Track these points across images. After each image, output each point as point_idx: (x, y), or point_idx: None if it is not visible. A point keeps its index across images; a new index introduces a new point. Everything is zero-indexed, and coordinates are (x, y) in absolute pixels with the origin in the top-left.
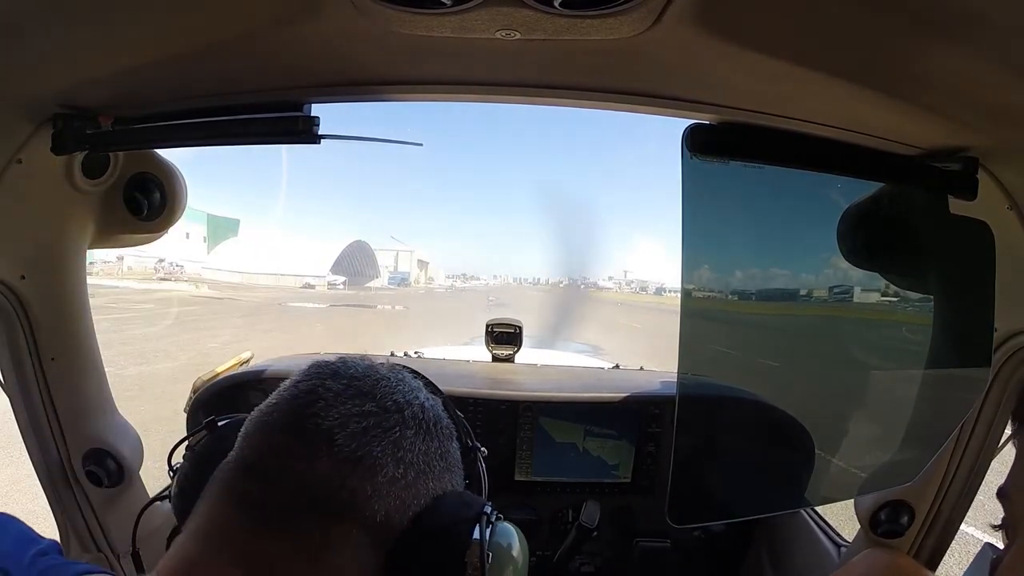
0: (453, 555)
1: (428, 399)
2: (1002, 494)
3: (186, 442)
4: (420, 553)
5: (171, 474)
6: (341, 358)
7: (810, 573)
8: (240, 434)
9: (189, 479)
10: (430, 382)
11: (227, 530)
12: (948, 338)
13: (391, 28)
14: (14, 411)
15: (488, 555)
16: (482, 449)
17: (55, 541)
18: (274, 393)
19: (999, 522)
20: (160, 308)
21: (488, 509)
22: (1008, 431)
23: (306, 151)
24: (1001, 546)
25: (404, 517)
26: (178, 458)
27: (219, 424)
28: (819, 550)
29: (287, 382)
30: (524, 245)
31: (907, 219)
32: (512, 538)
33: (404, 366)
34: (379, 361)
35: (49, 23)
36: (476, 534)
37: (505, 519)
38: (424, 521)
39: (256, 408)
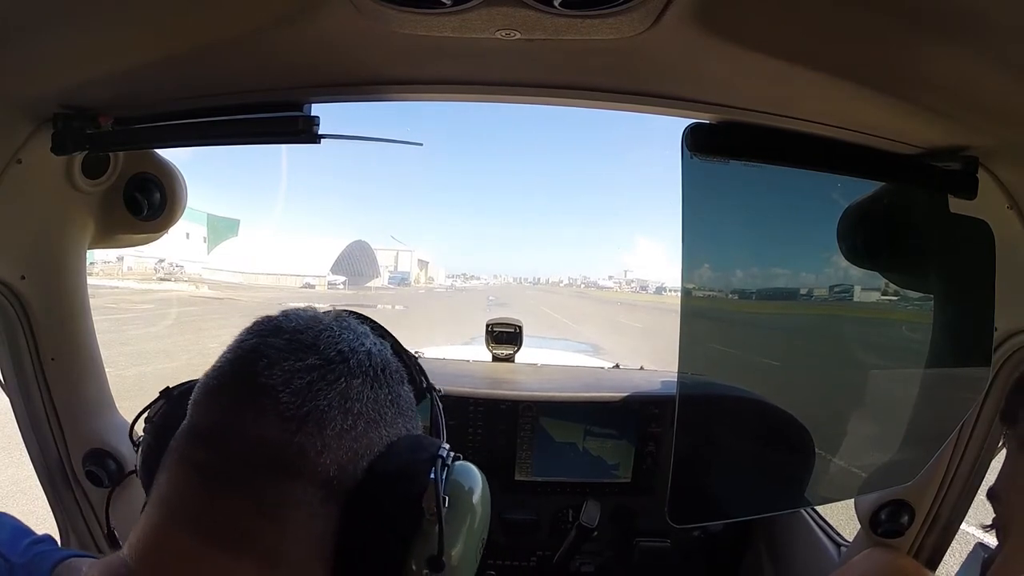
0: (408, 500)
1: (375, 344)
2: (992, 495)
3: (146, 415)
4: (375, 501)
5: (135, 448)
6: (284, 311)
7: (810, 573)
8: (191, 400)
9: (151, 450)
10: (378, 325)
11: (185, 496)
12: (948, 338)
13: (391, 28)
14: (14, 411)
15: (444, 498)
16: (438, 389)
17: (49, 535)
18: (220, 355)
19: (991, 522)
20: (160, 308)
21: (444, 451)
22: None
23: (306, 151)
24: (993, 546)
25: (358, 468)
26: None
27: (174, 392)
28: (819, 550)
29: (231, 343)
30: (524, 245)
31: (907, 219)
32: (471, 478)
33: (351, 312)
34: (324, 310)
35: (49, 23)
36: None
37: (465, 460)
38: (377, 469)
39: (205, 373)
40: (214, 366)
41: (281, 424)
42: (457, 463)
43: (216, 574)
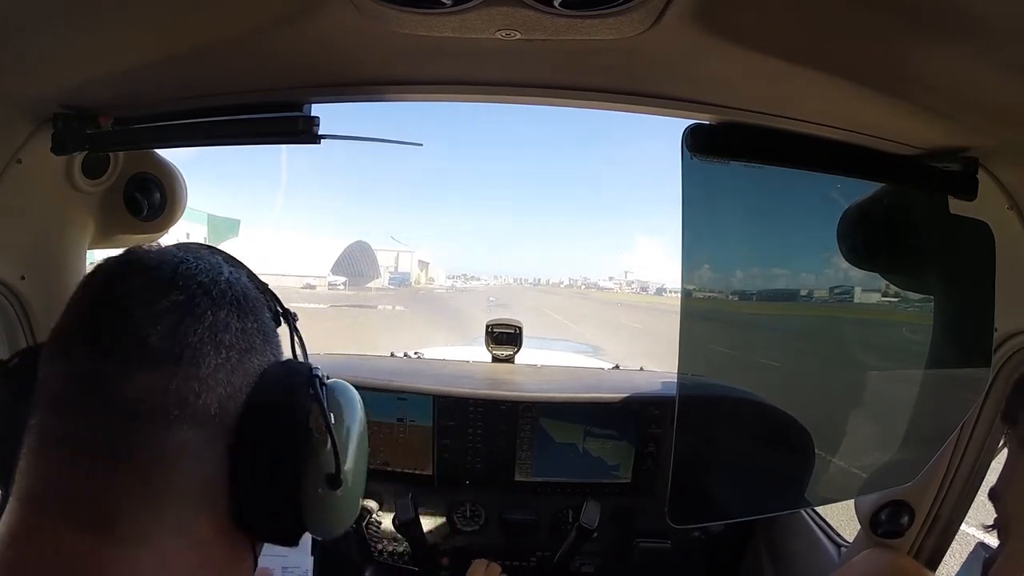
0: (295, 424)
1: (232, 273)
2: (993, 495)
3: None
4: (262, 432)
5: None
6: (128, 250)
7: (810, 573)
8: (41, 372)
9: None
10: (228, 255)
11: (49, 479)
12: (948, 338)
13: (391, 28)
14: None
15: (330, 415)
16: (294, 313)
17: None
18: (62, 313)
19: (992, 522)
20: None
21: (318, 371)
22: None
23: (307, 151)
24: (994, 546)
25: (237, 402)
26: None
27: (9, 365)
28: (819, 550)
29: (71, 297)
30: (525, 245)
31: (907, 219)
32: (348, 394)
33: (197, 243)
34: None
35: (49, 23)
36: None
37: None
38: (257, 399)
39: (49, 337)
40: (58, 326)
41: (154, 371)
42: (330, 381)
43: (105, 566)
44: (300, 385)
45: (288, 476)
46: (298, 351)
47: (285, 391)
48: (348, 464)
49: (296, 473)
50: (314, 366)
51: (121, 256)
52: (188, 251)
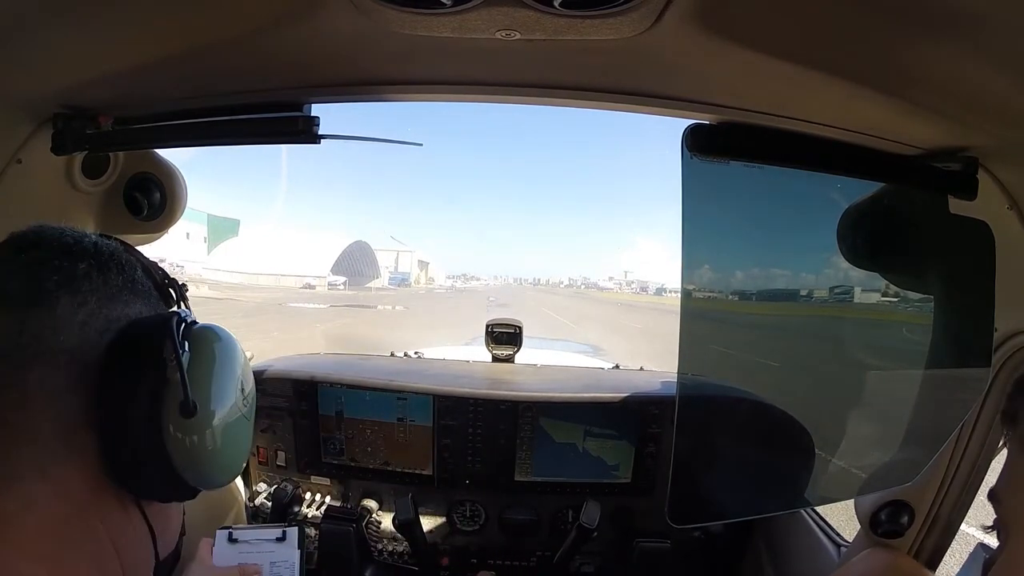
0: (147, 354)
1: (103, 240)
2: (992, 496)
3: None
4: (118, 365)
5: None
6: (11, 234)
7: (810, 573)
8: None
9: None
10: (125, 242)
11: None
12: (948, 338)
13: (391, 28)
14: None
15: (184, 344)
16: (182, 283)
17: None
18: None
19: (991, 523)
20: None
21: (184, 316)
22: None
23: (307, 151)
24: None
25: (99, 343)
26: None
27: None
28: (819, 550)
29: None
30: (525, 245)
31: (907, 219)
32: (212, 331)
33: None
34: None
35: (49, 23)
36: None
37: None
38: (117, 339)
39: None
40: None
41: (9, 313)
42: (197, 325)
43: None
44: (159, 325)
45: (143, 405)
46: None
47: (143, 330)
48: (205, 392)
49: (151, 402)
50: (182, 312)
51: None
52: (62, 227)
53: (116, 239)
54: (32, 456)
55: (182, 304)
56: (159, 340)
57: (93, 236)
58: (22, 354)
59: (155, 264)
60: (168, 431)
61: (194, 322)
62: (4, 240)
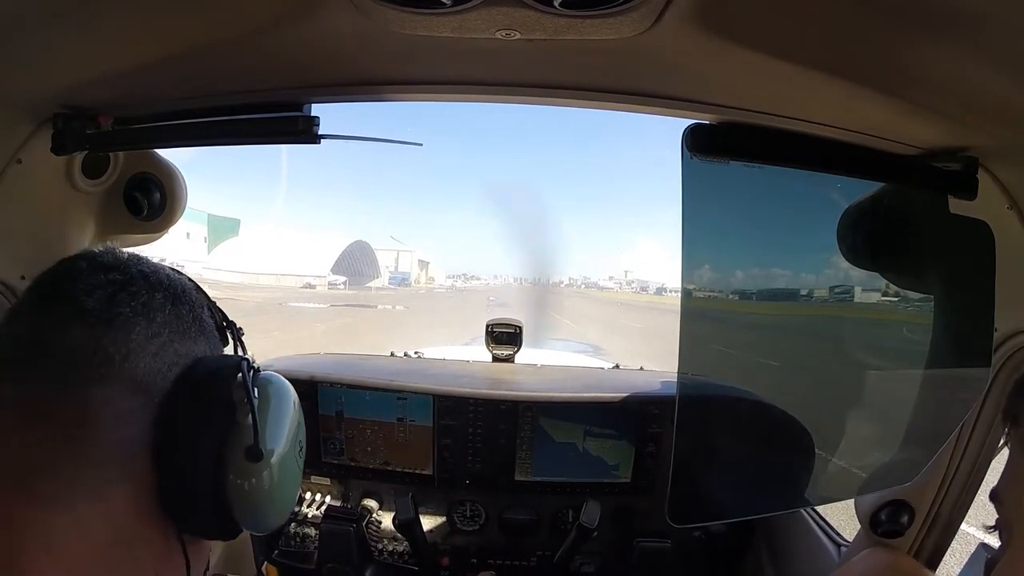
0: (218, 395)
1: (173, 273)
2: (994, 496)
3: None
4: (187, 401)
5: None
6: (86, 249)
7: (810, 573)
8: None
9: None
10: (194, 281)
11: None
12: (948, 338)
13: (391, 28)
14: None
15: (254, 390)
16: (239, 327)
17: None
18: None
19: (993, 523)
20: None
21: (249, 360)
22: None
23: (307, 150)
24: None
25: (166, 378)
26: None
27: None
28: (819, 550)
29: (31, 283)
30: (525, 245)
31: (907, 219)
32: (278, 381)
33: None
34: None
35: (49, 23)
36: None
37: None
38: (187, 375)
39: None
40: (20, 297)
41: (86, 329)
42: (264, 372)
43: (18, 524)
44: (228, 367)
45: (208, 444)
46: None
47: (213, 370)
48: (271, 439)
49: (216, 443)
50: (246, 358)
51: (69, 257)
52: (135, 255)
53: (186, 276)
54: (88, 477)
55: (239, 347)
56: (229, 382)
57: (168, 268)
58: (94, 371)
59: (215, 305)
60: (230, 474)
61: (260, 368)
62: (80, 254)
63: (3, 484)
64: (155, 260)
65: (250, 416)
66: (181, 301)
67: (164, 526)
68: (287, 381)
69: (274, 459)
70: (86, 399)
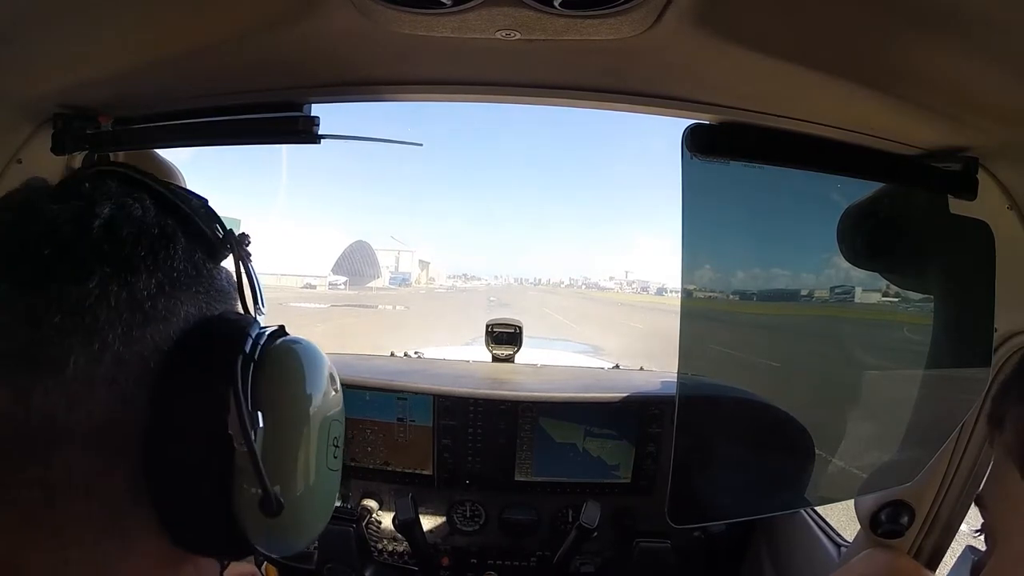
0: (209, 439)
1: (120, 206)
2: (980, 502)
3: None
4: (170, 449)
5: None
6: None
7: (810, 573)
8: None
9: None
10: (130, 175)
11: None
12: (948, 338)
13: (391, 28)
14: None
15: (258, 415)
16: (242, 234)
17: None
18: None
19: (979, 527)
20: None
21: (248, 341)
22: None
23: (308, 150)
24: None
25: (137, 400)
26: None
27: None
28: (819, 550)
29: None
30: (525, 245)
31: (907, 219)
32: (289, 367)
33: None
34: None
35: (49, 23)
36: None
37: (291, 339)
38: (161, 400)
39: None
40: None
41: (7, 389)
42: (272, 347)
43: None
44: (216, 376)
45: (212, 504)
46: (247, 293)
47: (194, 389)
48: (290, 475)
49: (223, 498)
50: (248, 331)
51: None
52: (62, 191)
53: (144, 176)
54: (88, 555)
55: (245, 271)
56: (219, 408)
57: (106, 208)
58: (31, 443)
59: (209, 213)
60: (244, 519)
61: (269, 339)
62: None
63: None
64: (94, 190)
65: (253, 464)
66: (132, 265)
67: (186, 555)
68: (314, 349)
69: (296, 492)
70: (40, 478)
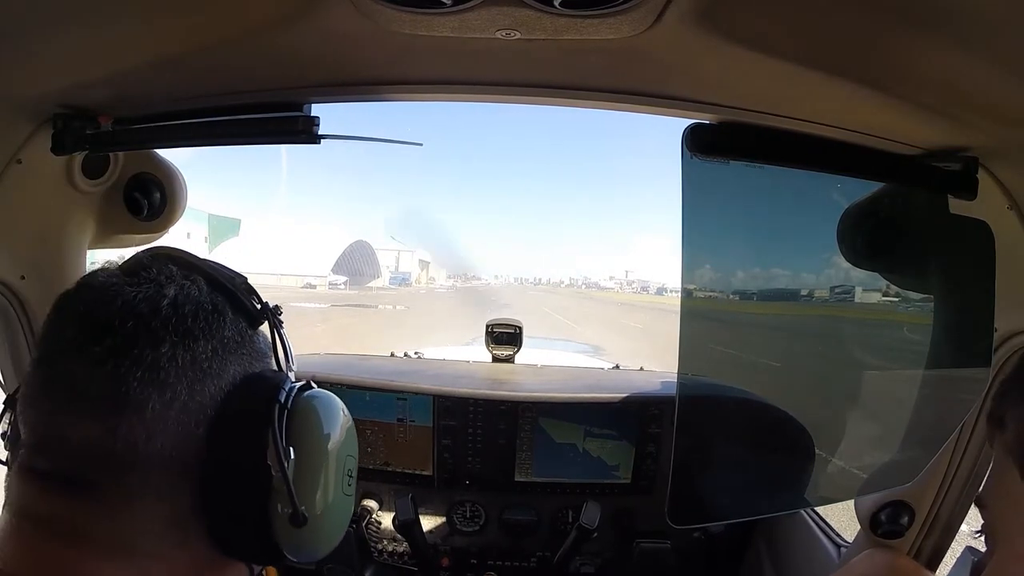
0: (250, 466)
1: (180, 289)
2: (980, 502)
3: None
4: (220, 472)
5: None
6: (82, 281)
7: (810, 574)
8: (18, 412)
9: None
10: (188, 261)
11: (26, 500)
12: (948, 338)
13: (391, 28)
14: None
15: (289, 450)
16: (275, 307)
17: None
18: (31, 360)
19: (979, 528)
20: None
21: (282, 393)
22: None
23: (308, 150)
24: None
25: (196, 437)
26: None
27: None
28: (819, 550)
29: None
30: (525, 245)
31: (907, 219)
32: (314, 413)
33: (160, 249)
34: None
35: (49, 23)
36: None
37: (316, 389)
38: (215, 435)
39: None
40: (27, 374)
41: (101, 424)
42: (300, 398)
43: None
44: (257, 417)
45: (253, 517)
46: (280, 353)
47: (240, 426)
48: (315, 494)
49: (260, 515)
50: (281, 386)
51: (72, 288)
52: (133, 271)
53: (199, 270)
54: (144, 546)
55: (278, 336)
56: (259, 444)
57: (171, 290)
58: (119, 461)
59: (248, 288)
60: (278, 529)
61: (299, 391)
62: (68, 310)
63: (65, 544)
64: (159, 272)
65: (284, 484)
66: (193, 336)
67: (226, 560)
68: (325, 400)
69: (319, 509)
70: (118, 482)
